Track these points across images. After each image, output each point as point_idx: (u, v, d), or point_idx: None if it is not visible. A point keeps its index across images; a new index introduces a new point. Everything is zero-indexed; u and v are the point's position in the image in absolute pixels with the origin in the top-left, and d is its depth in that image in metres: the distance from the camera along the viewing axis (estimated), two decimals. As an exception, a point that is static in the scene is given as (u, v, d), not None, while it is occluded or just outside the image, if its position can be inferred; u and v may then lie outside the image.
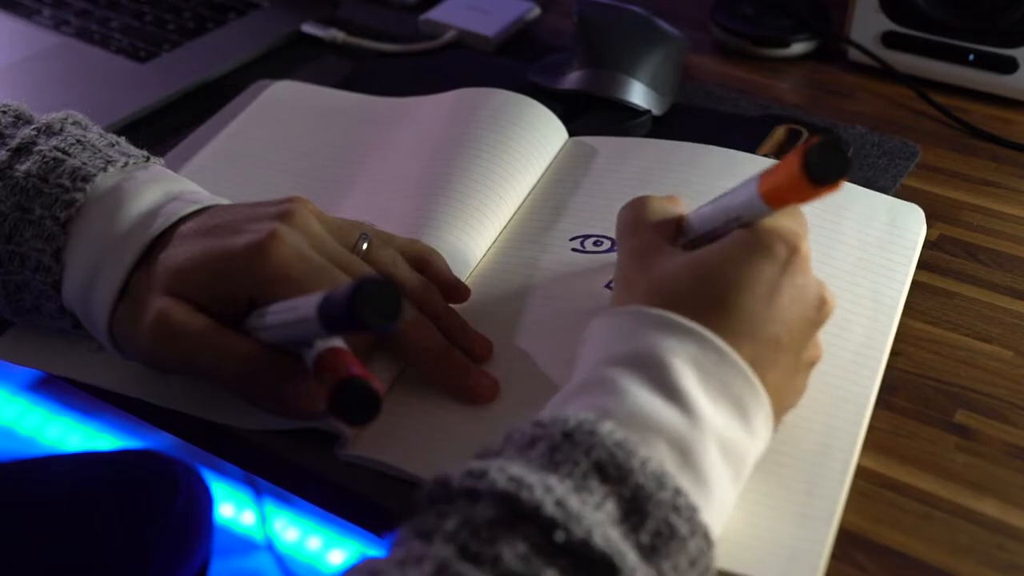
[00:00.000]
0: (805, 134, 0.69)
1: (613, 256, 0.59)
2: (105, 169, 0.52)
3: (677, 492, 0.40)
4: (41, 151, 0.51)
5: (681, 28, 0.76)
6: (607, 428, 0.40)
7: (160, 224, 0.50)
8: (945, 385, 0.54)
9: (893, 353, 0.54)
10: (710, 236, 0.49)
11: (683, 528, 0.39)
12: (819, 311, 0.47)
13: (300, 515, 1.36)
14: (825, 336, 0.53)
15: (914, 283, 0.58)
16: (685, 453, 0.41)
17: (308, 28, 0.82)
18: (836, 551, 0.45)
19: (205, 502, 0.85)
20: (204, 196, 0.53)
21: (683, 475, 0.41)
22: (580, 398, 0.43)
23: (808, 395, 0.50)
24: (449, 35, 0.82)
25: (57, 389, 1.49)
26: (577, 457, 0.40)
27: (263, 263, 0.47)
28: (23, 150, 0.52)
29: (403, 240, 0.55)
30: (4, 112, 0.54)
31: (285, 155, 0.68)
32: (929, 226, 0.62)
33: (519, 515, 0.37)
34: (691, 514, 0.40)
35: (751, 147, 0.68)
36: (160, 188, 0.52)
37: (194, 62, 0.77)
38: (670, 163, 0.65)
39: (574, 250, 0.60)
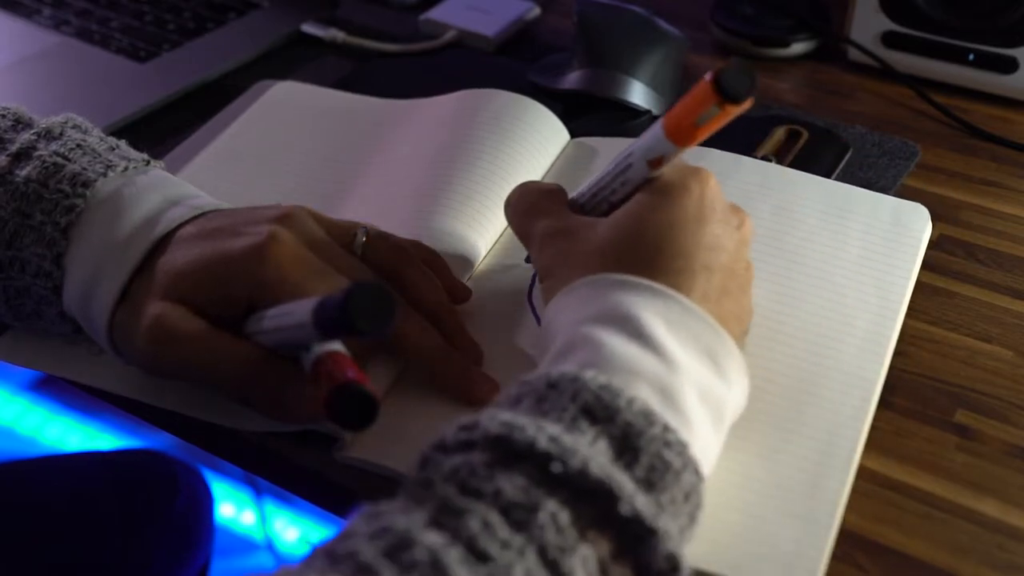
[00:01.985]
0: (805, 134, 0.69)
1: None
2: (105, 174, 0.51)
3: (666, 428, 0.40)
4: (41, 156, 0.51)
5: (681, 28, 0.76)
6: (590, 374, 0.41)
7: (160, 230, 0.50)
8: (945, 385, 0.54)
9: (894, 353, 0.54)
10: (604, 201, 0.51)
11: (676, 462, 0.40)
12: (741, 228, 0.49)
13: (300, 515, 1.36)
14: (831, 335, 0.53)
15: (915, 283, 0.58)
16: (667, 395, 0.42)
17: (308, 28, 0.82)
18: (836, 551, 0.45)
19: (206, 502, 0.85)
20: (204, 201, 0.53)
21: (668, 414, 0.42)
22: (560, 360, 0.44)
23: (811, 393, 0.50)
24: (449, 35, 0.82)
25: (57, 389, 1.49)
26: (564, 403, 0.40)
27: (261, 265, 0.47)
28: (23, 155, 0.52)
29: (404, 241, 0.55)
30: (3, 116, 0.54)
31: (287, 156, 0.68)
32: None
33: (514, 454, 0.38)
34: (682, 449, 0.40)
35: (751, 147, 0.68)
36: (160, 193, 0.52)
37: (194, 62, 0.77)
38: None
39: (574, 250, 0.60)
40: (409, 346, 0.51)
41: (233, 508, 1.38)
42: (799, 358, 0.52)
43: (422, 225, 0.59)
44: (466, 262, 0.58)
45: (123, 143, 0.55)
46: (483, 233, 0.60)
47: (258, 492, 1.35)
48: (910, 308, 0.57)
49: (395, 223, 0.58)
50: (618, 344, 0.43)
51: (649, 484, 0.39)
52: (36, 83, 0.76)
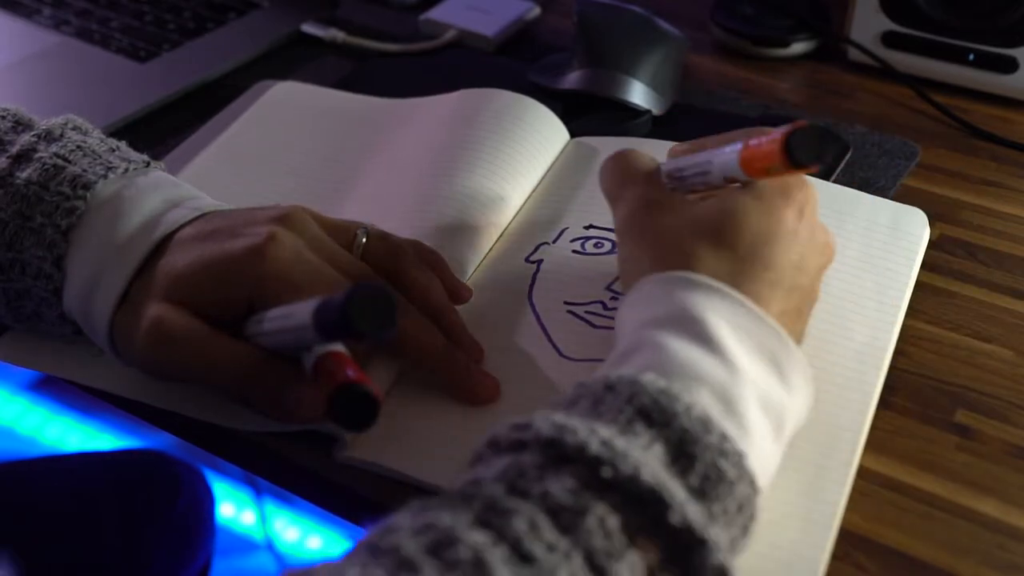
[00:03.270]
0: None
1: (614, 258, 0.59)
2: (105, 176, 0.51)
3: (723, 437, 0.40)
4: (41, 158, 0.51)
5: (681, 28, 0.76)
6: (649, 378, 0.41)
7: (160, 232, 0.50)
8: (945, 385, 0.54)
9: (894, 353, 0.54)
10: (696, 180, 0.51)
11: (731, 472, 0.39)
12: (825, 254, 0.49)
13: (300, 515, 1.36)
14: (828, 339, 0.53)
15: (915, 283, 0.58)
16: (728, 402, 0.41)
17: (308, 28, 0.82)
18: (836, 551, 0.45)
19: (207, 502, 0.85)
20: (205, 202, 0.53)
21: (727, 422, 0.41)
22: (622, 362, 0.44)
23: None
24: (449, 35, 0.82)
25: (57, 389, 1.49)
26: (620, 405, 0.40)
27: (262, 266, 0.47)
28: (23, 157, 0.52)
29: (404, 240, 0.55)
30: (3, 117, 0.54)
31: (287, 156, 0.68)
32: (929, 226, 0.62)
33: (565, 457, 0.37)
34: (738, 459, 0.40)
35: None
36: (161, 195, 0.52)
37: (194, 62, 0.77)
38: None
39: (575, 252, 0.60)
40: (410, 345, 0.50)
41: (233, 508, 1.38)
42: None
43: (422, 225, 0.59)
44: (467, 262, 0.58)
45: (123, 144, 0.55)
46: (484, 233, 0.60)
47: (258, 492, 1.35)
48: (910, 308, 0.57)
49: (395, 223, 0.58)
50: (681, 347, 0.42)
51: (702, 493, 0.38)
52: (36, 83, 0.76)
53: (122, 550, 0.77)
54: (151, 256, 0.50)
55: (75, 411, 1.48)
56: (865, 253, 0.59)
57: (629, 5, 0.75)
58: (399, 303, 0.40)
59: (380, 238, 0.53)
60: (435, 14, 0.83)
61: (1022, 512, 0.48)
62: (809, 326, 0.54)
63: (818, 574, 0.44)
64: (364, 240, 0.52)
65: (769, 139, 0.46)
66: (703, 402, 0.41)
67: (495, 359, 0.53)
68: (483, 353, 0.53)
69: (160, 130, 0.71)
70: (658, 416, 0.39)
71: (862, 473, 0.49)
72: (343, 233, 0.52)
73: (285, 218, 0.50)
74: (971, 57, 0.75)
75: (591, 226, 0.61)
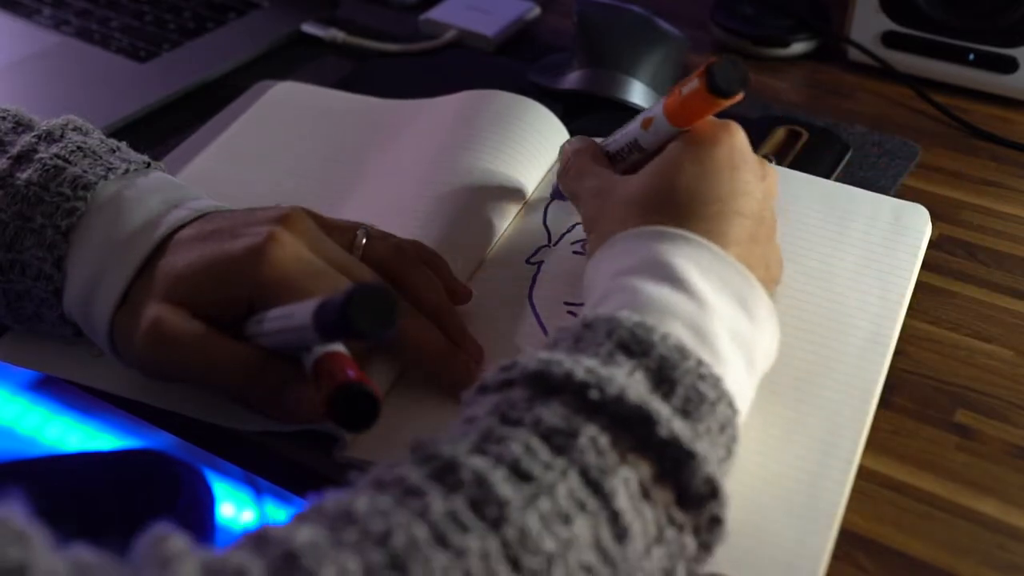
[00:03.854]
0: (805, 134, 0.69)
1: (613, 256, 0.59)
2: (106, 177, 0.51)
3: (700, 362, 0.42)
4: (42, 159, 0.51)
5: (681, 28, 0.76)
6: (624, 314, 0.43)
7: (160, 232, 0.50)
8: (945, 385, 0.54)
9: (894, 352, 0.54)
10: (632, 158, 0.54)
11: (711, 393, 0.41)
12: (766, 179, 0.51)
13: (300, 515, 1.35)
14: (831, 335, 0.53)
15: (915, 283, 0.58)
16: (700, 333, 0.43)
17: (308, 28, 0.82)
18: (836, 551, 0.45)
19: (207, 502, 0.85)
20: (205, 203, 0.53)
21: (701, 350, 0.43)
22: (597, 307, 0.46)
23: (812, 394, 0.50)
24: (449, 35, 0.82)
25: (57, 389, 1.48)
26: (600, 339, 0.42)
27: (262, 266, 0.47)
28: (24, 158, 0.52)
29: (404, 241, 0.55)
30: (3, 118, 0.54)
31: (287, 157, 0.68)
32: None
33: (552, 387, 0.40)
34: (715, 381, 0.42)
35: (751, 147, 0.68)
36: (160, 196, 0.52)
37: (194, 62, 0.77)
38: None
39: (575, 252, 0.60)
40: (410, 345, 0.51)
41: (233, 508, 1.38)
42: (799, 358, 0.52)
43: (422, 225, 0.59)
44: (466, 262, 0.58)
45: (123, 145, 0.55)
46: (483, 233, 0.60)
47: (258, 492, 1.35)
48: (910, 308, 0.57)
49: (395, 223, 0.58)
50: (652, 288, 0.45)
51: (685, 413, 0.40)
52: (36, 83, 0.76)
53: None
54: (151, 257, 0.50)
55: (75, 411, 1.48)
56: (867, 249, 0.59)
57: (629, 5, 0.75)
58: (399, 303, 0.40)
59: (380, 238, 0.53)
60: (435, 14, 0.84)
61: (1022, 512, 0.48)
62: (811, 322, 0.54)
63: (818, 574, 0.44)
64: (364, 240, 0.52)
65: (688, 81, 0.49)
66: (677, 332, 0.43)
67: (495, 359, 0.53)
68: (483, 353, 0.53)
69: (160, 130, 0.71)
70: (636, 347, 0.42)
71: (862, 473, 0.49)
72: (343, 233, 0.52)
73: (285, 218, 0.50)
74: (971, 57, 0.75)
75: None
